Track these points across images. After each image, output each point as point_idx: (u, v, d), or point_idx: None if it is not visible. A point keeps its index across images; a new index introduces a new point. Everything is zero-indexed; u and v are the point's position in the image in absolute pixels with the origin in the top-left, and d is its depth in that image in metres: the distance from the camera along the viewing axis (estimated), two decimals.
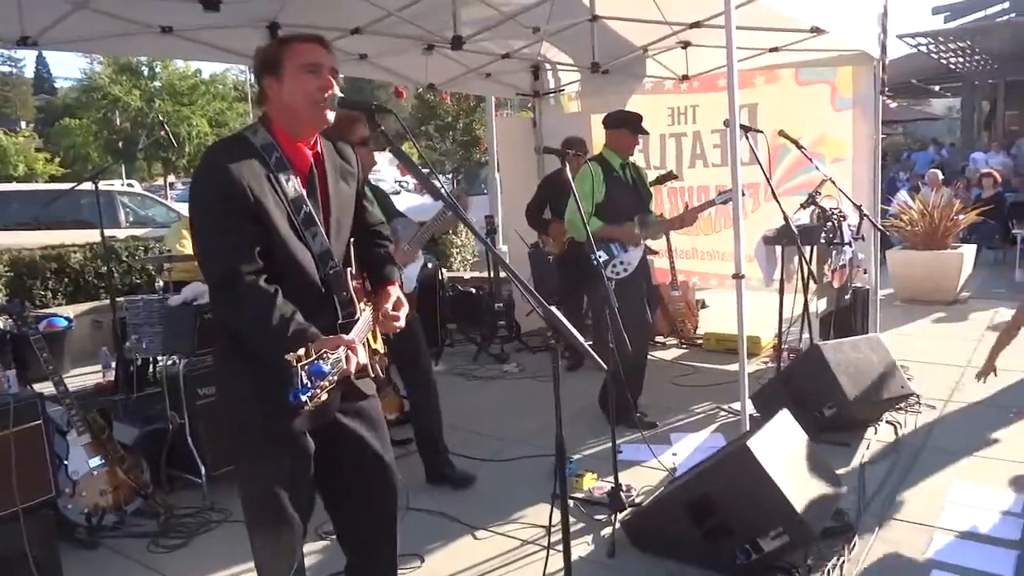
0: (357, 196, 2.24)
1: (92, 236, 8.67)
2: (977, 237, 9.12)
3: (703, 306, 6.95)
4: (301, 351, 1.61)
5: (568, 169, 3.43)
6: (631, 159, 4.50)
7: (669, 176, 5.50)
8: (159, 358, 5.21)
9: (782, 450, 2.86)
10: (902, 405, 4.35)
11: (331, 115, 2.02)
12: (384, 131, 1.96)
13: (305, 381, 1.56)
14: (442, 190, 1.98)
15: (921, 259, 7.73)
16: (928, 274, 7.63)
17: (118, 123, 22.66)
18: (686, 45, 6.06)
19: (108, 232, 8.12)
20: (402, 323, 2.19)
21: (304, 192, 2.02)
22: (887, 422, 4.25)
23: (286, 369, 1.57)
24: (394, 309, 2.19)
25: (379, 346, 2.24)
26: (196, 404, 3.71)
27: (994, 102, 25.11)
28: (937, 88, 26.27)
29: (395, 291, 2.24)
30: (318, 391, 1.58)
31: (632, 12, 5.36)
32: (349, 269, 2.10)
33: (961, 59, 22.99)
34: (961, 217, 7.93)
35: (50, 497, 3.06)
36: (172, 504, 3.53)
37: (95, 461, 3.41)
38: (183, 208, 13.65)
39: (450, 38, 4.51)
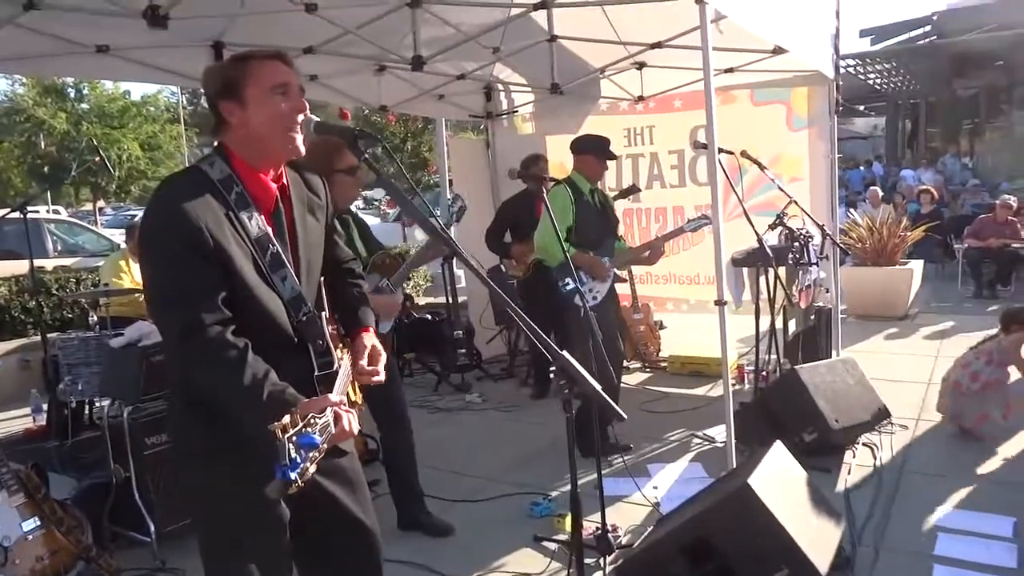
0: (327, 231, 2.03)
1: (17, 268, 8.16)
2: (918, 252, 9.34)
3: (661, 327, 6.88)
4: (286, 419, 1.38)
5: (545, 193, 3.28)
6: (597, 186, 4.39)
7: (632, 190, 5.42)
8: (96, 401, 4.86)
9: (781, 486, 2.74)
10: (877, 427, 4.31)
11: (301, 143, 1.81)
12: (369, 159, 1.76)
13: (294, 455, 1.33)
14: (435, 224, 1.79)
15: (873, 276, 7.84)
16: (880, 290, 7.75)
17: (43, 147, 21.61)
18: (641, 66, 6.02)
19: (36, 263, 7.66)
20: (381, 377, 1.97)
21: (270, 230, 1.79)
22: (864, 444, 4.20)
23: (270, 442, 1.35)
24: (370, 362, 1.97)
25: (357, 397, 2.03)
26: (143, 455, 3.40)
27: (916, 121, 26.21)
28: (862, 108, 27.26)
29: (370, 339, 2.02)
30: (308, 464, 1.37)
31: (590, 33, 5.28)
32: (323, 314, 1.89)
33: (885, 80, 23.95)
34: (909, 233, 8.08)
35: None
36: (118, 567, 3.20)
37: (29, 524, 3.06)
38: (114, 235, 13.07)
39: (409, 58, 4.32)
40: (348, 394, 1.94)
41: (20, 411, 5.91)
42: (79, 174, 19.04)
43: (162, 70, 4.38)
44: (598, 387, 1.69)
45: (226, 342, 1.64)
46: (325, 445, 1.43)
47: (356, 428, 1.60)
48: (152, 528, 3.33)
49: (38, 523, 3.07)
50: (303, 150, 1.82)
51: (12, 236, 9.15)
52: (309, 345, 1.84)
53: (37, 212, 14.07)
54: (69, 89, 22.01)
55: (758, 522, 2.52)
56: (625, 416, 1.67)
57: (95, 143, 4.77)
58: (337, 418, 1.53)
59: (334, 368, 1.85)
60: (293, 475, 1.33)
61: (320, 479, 1.91)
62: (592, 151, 4.27)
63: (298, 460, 1.34)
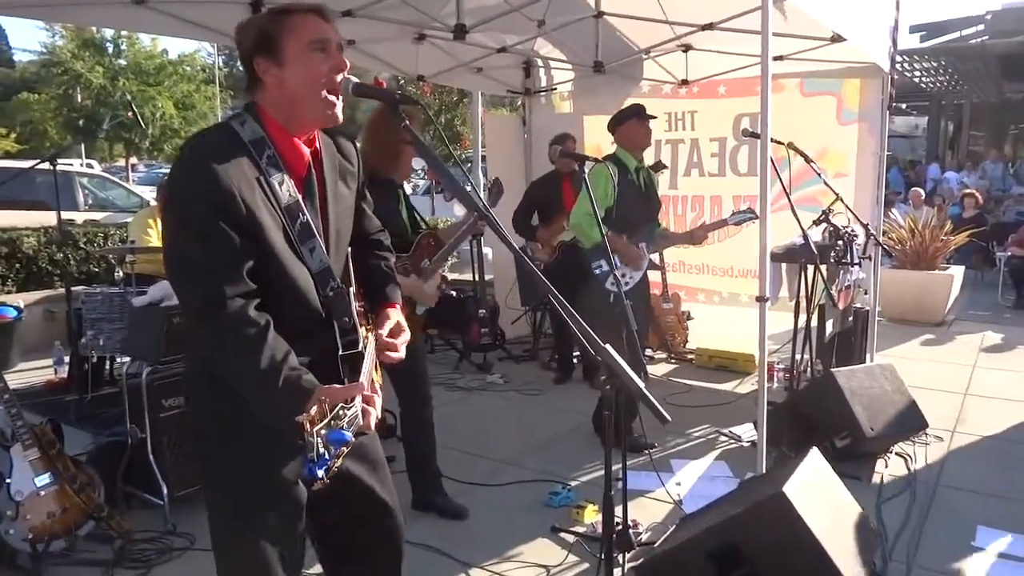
0: (357, 200, 1.92)
1: (46, 219, 8.16)
2: (957, 258, 9.07)
3: (689, 317, 6.73)
4: (314, 410, 1.26)
5: (586, 171, 3.14)
6: (643, 163, 4.22)
7: (659, 166, 5.26)
8: (117, 357, 4.84)
9: (816, 495, 2.61)
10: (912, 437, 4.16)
11: (340, 106, 1.70)
12: (410, 127, 1.65)
13: (322, 451, 1.23)
14: (475, 198, 1.67)
15: (911, 279, 7.61)
16: (918, 295, 7.52)
17: (79, 100, 21.71)
18: (687, 49, 5.83)
19: (65, 215, 7.64)
20: (401, 354, 1.86)
21: (300, 198, 1.68)
22: (896, 454, 4.05)
23: (296, 435, 1.25)
24: (391, 336, 1.87)
25: (379, 377, 1.93)
26: (160, 416, 3.34)
27: (959, 122, 25.52)
28: (904, 106, 26.59)
29: (395, 315, 1.92)
30: (336, 460, 1.27)
31: (637, 10, 5.11)
32: (351, 289, 1.79)
33: (932, 78, 23.29)
34: (952, 237, 7.83)
35: None
36: (129, 528, 3.16)
37: (43, 479, 3.02)
38: (145, 192, 13.08)
39: (451, 26, 4.18)
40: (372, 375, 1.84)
41: (43, 362, 5.94)
42: (111, 128, 19.13)
43: (198, 25, 4.28)
44: (642, 384, 1.57)
45: (247, 318, 1.54)
46: (353, 439, 1.33)
47: (380, 415, 1.50)
48: (165, 491, 3.28)
49: (51, 479, 3.04)
50: (341, 117, 1.71)
51: (43, 187, 9.15)
52: (335, 322, 1.74)
53: (71, 165, 14.16)
54: (108, 44, 22.05)
55: (791, 532, 2.40)
56: (669, 418, 1.55)
57: (129, 99, 4.69)
58: (366, 412, 1.42)
59: (359, 348, 1.75)
60: (320, 472, 1.23)
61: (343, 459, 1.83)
62: (631, 115, 4.10)
63: (326, 456, 1.24)
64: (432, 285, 3.19)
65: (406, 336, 1.91)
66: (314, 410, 1.26)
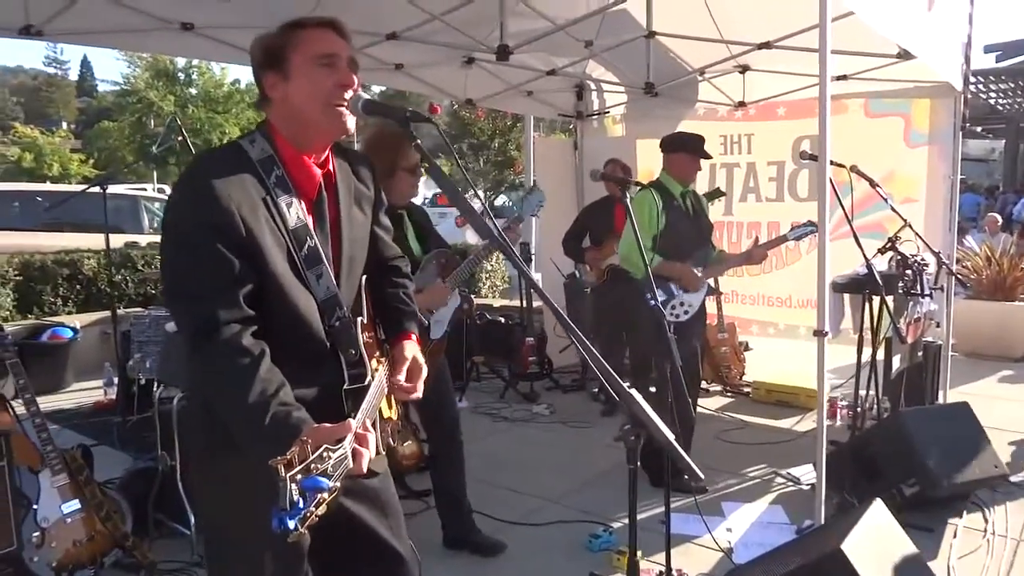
0: (373, 225, 1.81)
1: (114, 241, 8.40)
2: None
3: (747, 348, 6.43)
4: (294, 452, 1.13)
5: (627, 197, 2.97)
6: (692, 186, 4.04)
7: (717, 193, 5.04)
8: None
9: (879, 554, 2.36)
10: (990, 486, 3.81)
11: (351, 122, 1.60)
12: (421, 146, 1.53)
13: (296, 498, 1.09)
14: (488, 223, 1.53)
15: (988, 310, 7.14)
16: (996, 327, 7.05)
17: (152, 127, 22.65)
18: (744, 69, 5.63)
19: (130, 238, 7.82)
20: (419, 393, 1.75)
21: (310, 221, 1.59)
22: (972, 503, 3.71)
23: (271, 477, 1.12)
24: (409, 378, 1.75)
25: (392, 413, 1.80)
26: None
27: None
28: (979, 129, 25.51)
29: (411, 349, 1.79)
30: (313, 509, 1.12)
31: (691, 30, 4.94)
32: (360, 319, 1.67)
33: (1008, 100, 22.29)
34: None
35: (10, 551, 2.64)
36: (153, 559, 3.09)
37: (70, 506, 2.98)
38: None
39: (495, 47, 4.09)
40: (381, 409, 1.71)
41: (96, 382, 6.02)
42: (161, 153, 19.79)
43: (244, 50, 4.30)
44: (671, 436, 1.39)
45: (239, 347, 1.43)
46: (338, 484, 1.18)
47: (373, 455, 1.35)
48: (192, 520, 3.21)
49: (78, 506, 2.99)
50: (350, 127, 1.61)
51: (110, 211, 9.43)
52: (340, 354, 1.62)
53: (144, 189, 14.64)
54: (180, 74, 22.99)
55: None
56: (703, 476, 1.37)
57: (177, 122, 4.78)
58: (356, 454, 1.28)
59: (366, 382, 1.62)
60: (292, 523, 1.08)
61: (346, 502, 1.69)
62: (685, 149, 3.92)
63: (300, 506, 1.09)
64: (441, 289, 3.08)
65: (423, 374, 1.79)
66: (294, 451, 1.12)
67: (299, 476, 1.11)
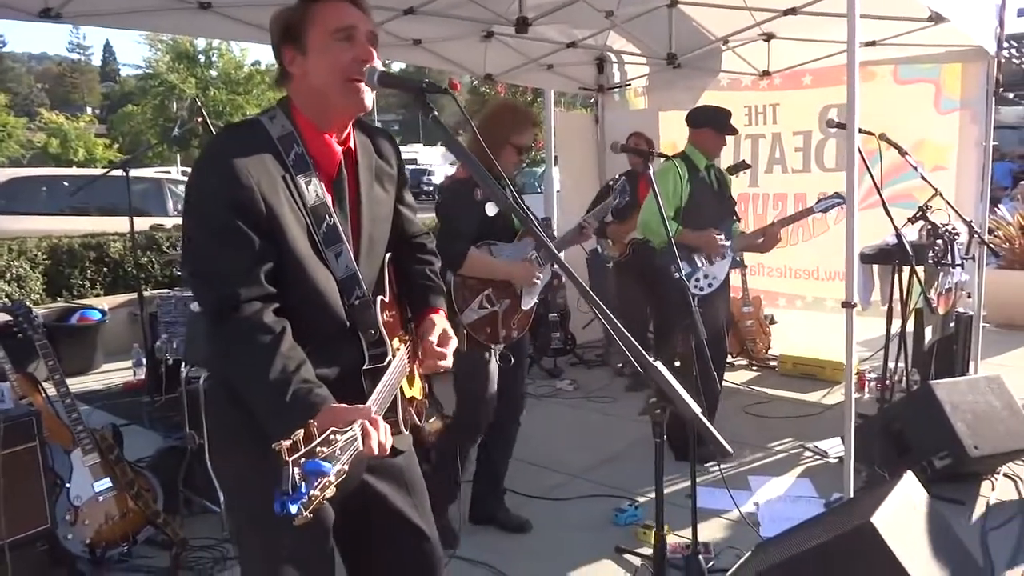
0: (396, 203, 1.79)
1: (138, 224, 8.49)
2: None
3: (772, 322, 6.36)
4: (299, 434, 1.10)
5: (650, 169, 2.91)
6: (716, 162, 3.98)
7: (742, 166, 4.95)
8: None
9: (910, 524, 2.33)
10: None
11: (369, 97, 1.57)
12: (438, 118, 1.50)
13: (298, 482, 1.06)
14: (508, 196, 1.50)
15: (1021, 280, 7.00)
16: None
17: (174, 110, 22.80)
18: (769, 38, 5.50)
19: (156, 220, 7.89)
20: (448, 362, 1.73)
21: (329, 199, 1.57)
22: (1005, 475, 3.65)
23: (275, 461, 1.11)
24: (440, 344, 1.73)
25: (417, 391, 1.79)
26: None
27: None
28: (1012, 95, 24.85)
29: (440, 321, 1.78)
30: (317, 493, 1.10)
31: None
32: (380, 298, 1.65)
33: None
34: None
35: (44, 529, 2.70)
36: (183, 536, 3.13)
37: (102, 484, 3.03)
38: None
39: (514, 20, 4.03)
40: (404, 388, 1.70)
41: (125, 363, 6.11)
42: (181, 135, 19.91)
43: (262, 28, 4.27)
44: (697, 409, 1.36)
45: (261, 323, 1.43)
46: (346, 467, 1.16)
47: (389, 445, 1.33)
48: (222, 498, 3.24)
49: (110, 484, 3.04)
50: (368, 104, 1.59)
51: (137, 195, 9.53)
52: (360, 333, 1.61)
53: (168, 172, 14.77)
54: (200, 56, 23.05)
55: (881, 568, 2.13)
56: (731, 450, 1.35)
57: (198, 104, 4.80)
58: (366, 433, 1.26)
59: (386, 362, 1.61)
60: (294, 508, 1.07)
61: (372, 481, 1.70)
62: (711, 124, 3.87)
63: (303, 490, 1.07)
64: (528, 266, 3.08)
65: (454, 343, 1.77)
66: (300, 434, 1.11)
67: (302, 460, 1.09)
